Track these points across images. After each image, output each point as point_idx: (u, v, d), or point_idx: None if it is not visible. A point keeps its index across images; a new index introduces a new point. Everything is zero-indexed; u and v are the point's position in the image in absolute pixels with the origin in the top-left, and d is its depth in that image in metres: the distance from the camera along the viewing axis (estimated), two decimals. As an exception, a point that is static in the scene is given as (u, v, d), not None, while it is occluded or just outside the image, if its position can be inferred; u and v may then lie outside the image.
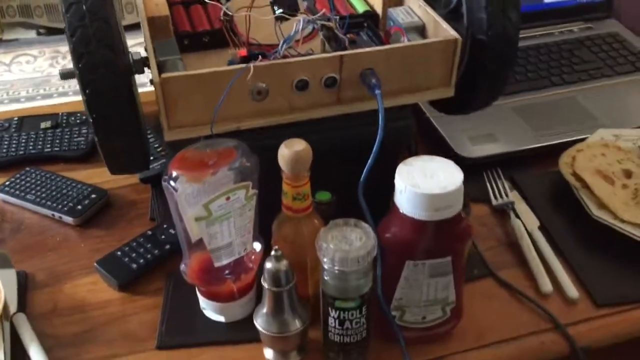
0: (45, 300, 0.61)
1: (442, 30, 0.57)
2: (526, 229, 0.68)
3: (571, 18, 0.99)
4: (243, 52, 0.58)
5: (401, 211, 0.50)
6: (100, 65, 0.49)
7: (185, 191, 0.50)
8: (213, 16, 0.65)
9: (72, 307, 0.61)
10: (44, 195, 0.71)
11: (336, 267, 0.49)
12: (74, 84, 1.76)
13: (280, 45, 0.53)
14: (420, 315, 0.55)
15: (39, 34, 2.18)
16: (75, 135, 0.80)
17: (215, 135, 0.54)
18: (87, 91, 0.50)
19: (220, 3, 0.64)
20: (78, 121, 0.83)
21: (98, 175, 0.76)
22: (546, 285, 0.61)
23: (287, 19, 0.58)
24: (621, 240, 0.64)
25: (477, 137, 0.78)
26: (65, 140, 0.79)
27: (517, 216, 0.70)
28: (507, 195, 0.72)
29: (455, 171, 0.49)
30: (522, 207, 0.71)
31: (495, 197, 0.72)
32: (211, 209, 0.51)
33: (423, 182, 0.48)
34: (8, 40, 2.13)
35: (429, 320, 0.56)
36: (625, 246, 0.64)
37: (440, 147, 0.78)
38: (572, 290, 0.61)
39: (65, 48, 2.08)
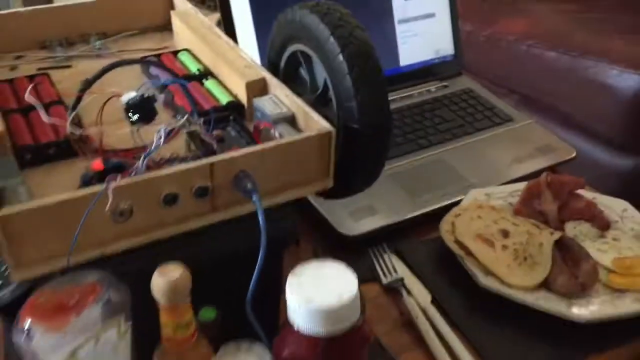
0: None
1: (313, 121, 0.54)
2: (419, 306, 0.66)
3: (427, 79, 1.02)
4: (98, 163, 0.52)
5: (295, 329, 0.46)
6: None
7: (44, 345, 0.43)
8: (41, 128, 0.58)
9: None
10: None
11: (233, 405, 0.43)
12: None
13: (141, 161, 0.48)
14: None
15: None
16: None
17: (73, 268, 0.47)
18: None
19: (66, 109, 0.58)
20: None
21: None
22: (448, 366, 0.60)
23: (142, 123, 0.53)
24: (512, 305, 0.64)
25: (357, 211, 0.77)
26: None
27: (409, 292, 0.68)
28: (395, 272, 0.71)
29: (348, 274, 0.46)
30: (411, 281, 0.70)
31: (385, 275, 0.70)
32: (78, 358, 0.44)
33: (316, 295, 0.45)
34: None
35: None
36: (516, 311, 0.64)
37: (321, 226, 0.75)
38: (473, 367, 0.60)
39: None
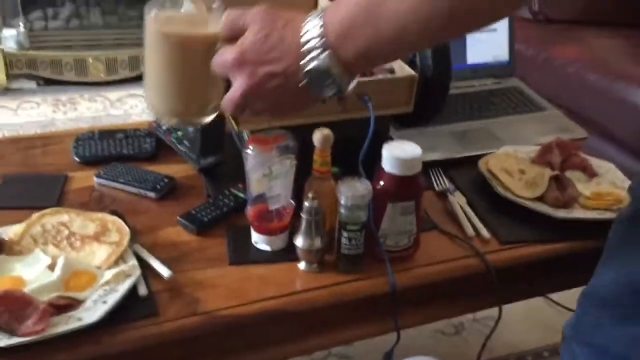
0: (146, 241, 0.91)
1: (405, 71, 0.94)
2: (458, 204, 1.04)
3: (486, 75, 1.40)
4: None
5: (386, 170, 0.85)
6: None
7: (256, 157, 0.84)
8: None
9: (166, 244, 0.91)
10: (130, 179, 1.03)
11: (350, 202, 0.83)
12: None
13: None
14: (395, 241, 0.89)
15: (38, 84, 2.47)
16: (142, 143, 1.12)
17: (271, 128, 0.88)
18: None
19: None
20: (142, 134, 1.15)
21: (163, 169, 1.07)
22: (470, 232, 0.97)
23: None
24: (516, 207, 1.01)
25: (425, 149, 1.14)
26: (136, 146, 1.11)
27: (453, 195, 1.06)
28: (445, 184, 1.08)
29: (417, 147, 0.85)
30: (455, 192, 1.08)
31: (438, 185, 1.08)
32: (272, 169, 0.85)
33: (399, 153, 0.84)
34: (13, 89, 2.42)
35: (401, 245, 0.90)
36: (518, 210, 1.00)
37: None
38: (486, 234, 0.97)
39: (64, 96, 2.38)
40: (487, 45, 1.39)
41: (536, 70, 1.86)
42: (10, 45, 2.41)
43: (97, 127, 1.24)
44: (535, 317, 1.47)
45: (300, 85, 0.61)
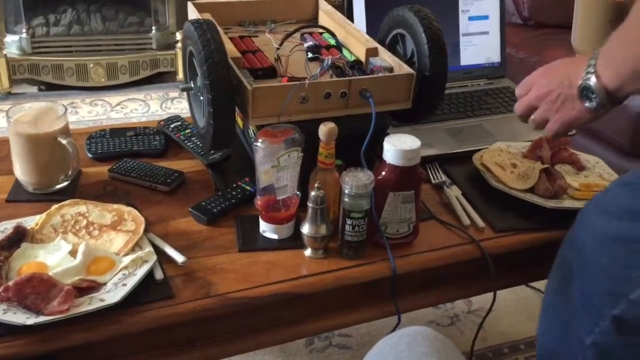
0: (159, 230, 0.96)
1: (404, 69, 1.00)
2: (454, 195, 1.09)
3: (479, 76, 1.46)
4: (285, 80, 0.99)
5: (387, 161, 0.90)
6: (221, 79, 0.88)
7: (266, 152, 0.89)
8: (260, 60, 1.06)
9: (179, 234, 0.96)
10: (142, 174, 1.07)
11: (353, 190, 0.88)
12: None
13: (317, 73, 0.95)
14: (396, 229, 0.94)
15: (40, 89, 2.52)
16: (152, 140, 1.17)
17: (279, 123, 0.93)
18: (213, 92, 0.88)
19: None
20: (151, 132, 1.20)
21: (172, 165, 1.12)
22: (465, 221, 1.03)
23: (316, 60, 1.00)
24: (508, 198, 1.06)
25: (422, 146, 1.20)
26: (146, 143, 1.16)
27: (449, 187, 1.11)
28: (441, 177, 1.14)
29: (416, 140, 0.91)
30: (451, 185, 1.13)
31: (434, 178, 1.14)
32: (280, 161, 0.90)
33: (399, 145, 0.89)
34: (16, 93, 2.47)
35: (401, 232, 0.95)
36: (510, 200, 1.06)
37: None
38: (480, 223, 1.02)
39: (66, 101, 2.43)
40: (480, 48, 1.46)
41: (528, 72, 1.92)
42: (13, 51, 2.46)
43: (107, 126, 1.28)
44: (527, 308, 1.53)
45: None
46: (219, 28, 1.10)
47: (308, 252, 0.93)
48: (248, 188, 1.04)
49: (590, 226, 0.85)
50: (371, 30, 1.29)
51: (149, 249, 0.88)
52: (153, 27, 2.62)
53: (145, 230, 0.93)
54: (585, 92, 0.86)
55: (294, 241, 0.95)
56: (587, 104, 0.86)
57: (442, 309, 1.55)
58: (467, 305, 1.55)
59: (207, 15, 1.16)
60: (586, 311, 0.82)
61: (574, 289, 0.85)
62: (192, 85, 1.00)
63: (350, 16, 1.33)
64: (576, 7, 1.20)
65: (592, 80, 0.83)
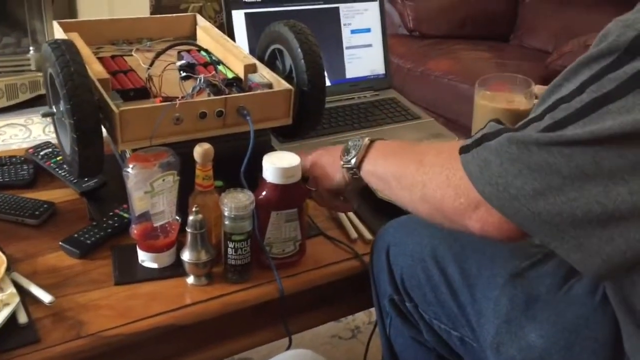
0: (25, 269, 0.89)
1: (283, 85, 0.98)
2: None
3: (364, 88, 1.47)
4: (160, 100, 0.94)
5: (267, 180, 0.88)
6: (84, 102, 0.83)
7: (137, 175, 0.84)
8: (133, 80, 1.01)
9: (47, 270, 0.89)
10: (7, 207, 0.99)
11: (233, 213, 0.85)
12: None
13: (190, 92, 0.91)
14: (282, 248, 0.92)
15: None
16: (19, 170, 1.08)
17: (152, 146, 0.88)
18: (75, 117, 0.83)
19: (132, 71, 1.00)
20: (18, 161, 1.11)
21: (42, 196, 1.04)
22: (353, 235, 1.02)
23: (189, 78, 0.96)
24: (395, 208, 1.06)
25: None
26: (12, 174, 1.07)
27: (336, 203, 1.10)
28: (329, 192, 1.13)
29: (296, 156, 0.89)
30: (339, 199, 1.12)
31: (322, 194, 1.12)
32: (154, 186, 0.85)
33: (278, 163, 0.87)
34: None
35: (287, 252, 0.92)
36: (398, 211, 1.06)
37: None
38: (368, 236, 1.02)
39: None
40: (364, 60, 1.47)
41: (414, 82, 1.97)
42: None
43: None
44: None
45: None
46: (87, 48, 1.04)
47: (190, 279, 0.89)
48: (126, 216, 0.98)
49: None
50: (253, 47, 1.27)
51: (10, 290, 0.81)
52: (31, 48, 2.47)
53: (8, 270, 0.85)
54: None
55: (176, 269, 0.90)
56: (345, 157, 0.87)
57: (343, 322, 1.54)
58: (367, 317, 1.55)
59: (74, 35, 1.09)
60: None
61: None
62: (55, 110, 0.93)
63: (231, 33, 1.30)
64: (475, 110, 1.20)
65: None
